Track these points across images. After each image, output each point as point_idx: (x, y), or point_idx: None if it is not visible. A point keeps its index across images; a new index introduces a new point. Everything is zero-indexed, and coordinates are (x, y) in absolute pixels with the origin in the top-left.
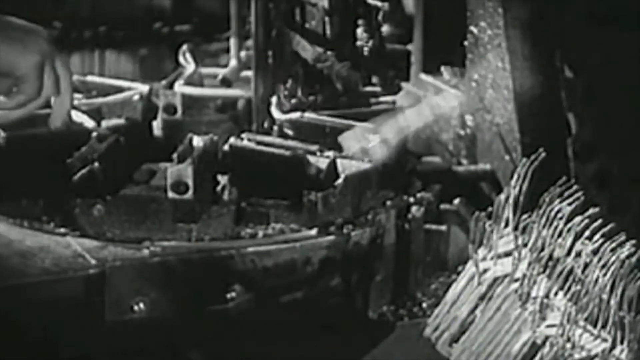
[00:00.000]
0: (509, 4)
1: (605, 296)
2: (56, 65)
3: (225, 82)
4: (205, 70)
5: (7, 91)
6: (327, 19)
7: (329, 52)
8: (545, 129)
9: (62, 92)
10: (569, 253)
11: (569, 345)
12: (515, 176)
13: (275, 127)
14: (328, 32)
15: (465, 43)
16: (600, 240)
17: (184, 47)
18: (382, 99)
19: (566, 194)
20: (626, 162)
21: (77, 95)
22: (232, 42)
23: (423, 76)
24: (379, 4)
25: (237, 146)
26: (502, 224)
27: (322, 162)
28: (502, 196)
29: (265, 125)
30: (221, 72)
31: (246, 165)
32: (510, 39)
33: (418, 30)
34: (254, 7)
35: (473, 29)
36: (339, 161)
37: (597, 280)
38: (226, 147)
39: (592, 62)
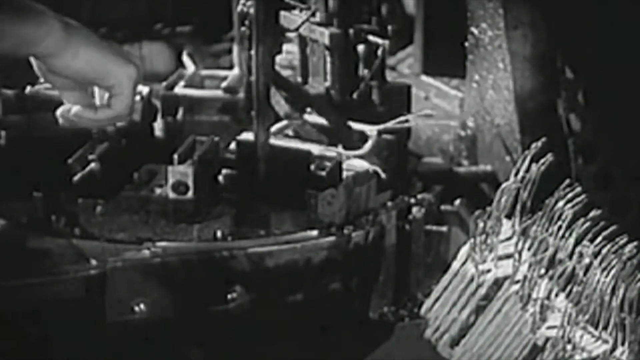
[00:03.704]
0: (510, 5)
1: (606, 298)
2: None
3: (230, 91)
4: (205, 72)
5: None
6: (327, 54)
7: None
8: (546, 129)
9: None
10: (570, 255)
11: (569, 347)
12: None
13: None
14: (328, 68)
15: (466, 44)
16: (602, 243)
17: (185, 50)
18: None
19: (568, 196)
20: (627, 162)
21: None
22: (235, 51)
23: (424, 77)
24: (380, 41)
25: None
26: (503, 226)
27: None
28: (504, 198)
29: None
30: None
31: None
32: (511, 40)
33: (418, 31)
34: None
35: (474, 30)
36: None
37: (598, 282)
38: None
39: (592, 62)
